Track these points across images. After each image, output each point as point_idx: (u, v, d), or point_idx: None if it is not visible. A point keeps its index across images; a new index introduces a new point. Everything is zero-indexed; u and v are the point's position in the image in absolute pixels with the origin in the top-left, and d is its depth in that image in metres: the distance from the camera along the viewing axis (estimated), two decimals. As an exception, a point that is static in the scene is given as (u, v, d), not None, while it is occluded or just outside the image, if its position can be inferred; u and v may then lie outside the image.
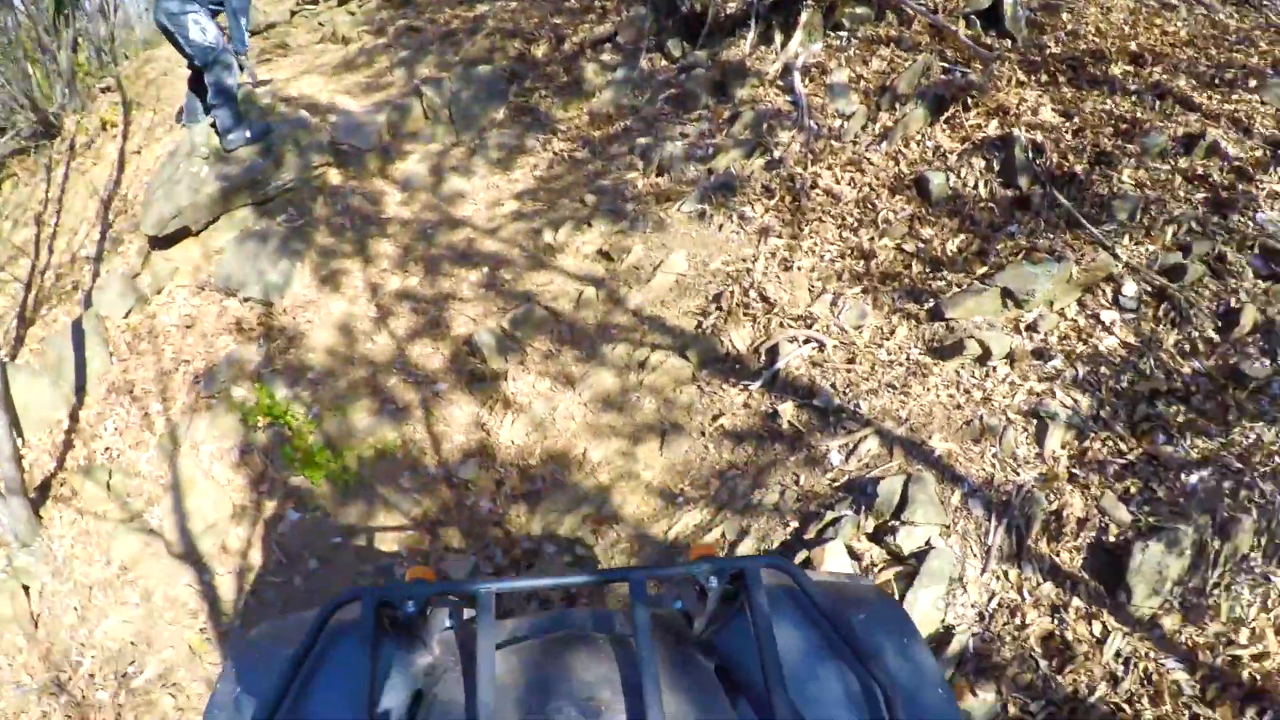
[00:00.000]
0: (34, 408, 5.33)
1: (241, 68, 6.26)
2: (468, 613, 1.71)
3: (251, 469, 4.62)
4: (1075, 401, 3.57)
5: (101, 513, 4.72)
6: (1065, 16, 5.91)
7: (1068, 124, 4.88)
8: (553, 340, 4.91)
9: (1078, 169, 4.57)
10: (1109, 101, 5.01)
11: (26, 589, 4.57)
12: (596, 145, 6.47)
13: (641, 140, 6.18)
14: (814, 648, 1.48)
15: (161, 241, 6.02)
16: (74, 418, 5.35)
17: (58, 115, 9.27)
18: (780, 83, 6.06)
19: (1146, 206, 4.27)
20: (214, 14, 5.80)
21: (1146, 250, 4.10)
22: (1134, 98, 5.01)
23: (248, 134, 6.07)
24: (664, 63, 6.97)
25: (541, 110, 7.03)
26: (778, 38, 6.33)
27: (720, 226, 5.21)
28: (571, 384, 4.64)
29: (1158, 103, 4.95)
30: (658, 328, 4.72)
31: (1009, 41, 5.73)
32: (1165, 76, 5.18)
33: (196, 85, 6.20)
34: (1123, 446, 3.40)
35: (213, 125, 6.11)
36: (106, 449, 5.08)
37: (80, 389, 5.44)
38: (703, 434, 4.16)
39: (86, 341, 5.55)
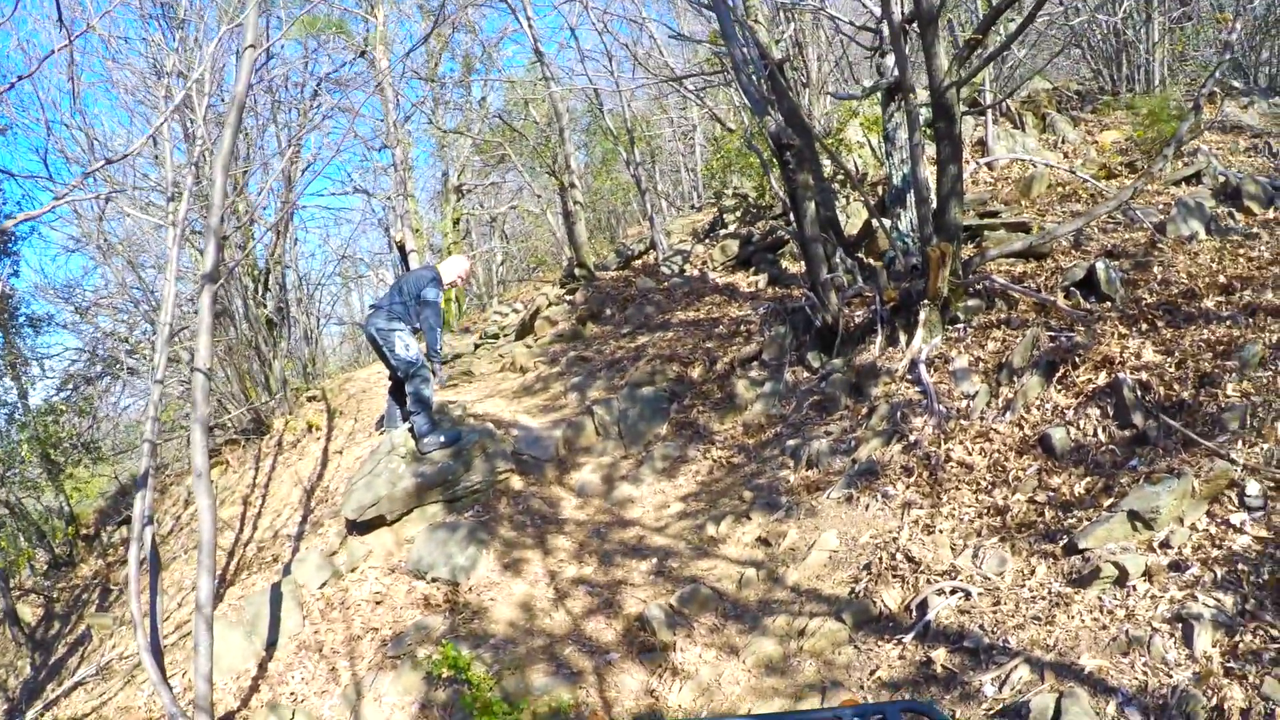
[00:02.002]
0: (225, 656, 5.84)
1: (434, 373, 7.39)
2: None
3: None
4: (1218, 601, 3.62)
5: (278, 747, 5.10)
6: (1156, 270, 6.46)
7: (1169, 359, 5.24)
8: (718, 615, 5.26)
9: (1184, 395, 4.86)
10: (1205, 330, 5.38)
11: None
12: (751, 450, 7.15)
13: (791, 442, 6.84)
14: None
15: (359, 526, 6.87)
16: (262, 667, 5.87)
17: (268, 415, 10.84)
18: (909, 376, 6.68)
19: (1254, 411, 4.49)
20: (415, 331, 7.03)
21: (1263, 449, 4.28)
22: (1228, 321, 5.38)
23: (441, 439, 7.05)
24: (805, 374, 7.80)
25: (700, 424, 7.87)
26: (902, 338, 7.06)
27: (866, 506, 5.63)
28: (736, 653, 4.90)
29: (1250, 320, 5.30)
30: (814, 598, 5.02)
31: (1108, 303, 6.25)
32: (1253, 295, 5.58)
33: (396, 393, 7.39)
34: (1275, 633, 3.40)
35: (410, 430, 7.13)
36: (292, 693, 5.56)
37: (271, 644, 6.01)
38: (861, 687, 4.31)
39: (283, 603, 6.19)
